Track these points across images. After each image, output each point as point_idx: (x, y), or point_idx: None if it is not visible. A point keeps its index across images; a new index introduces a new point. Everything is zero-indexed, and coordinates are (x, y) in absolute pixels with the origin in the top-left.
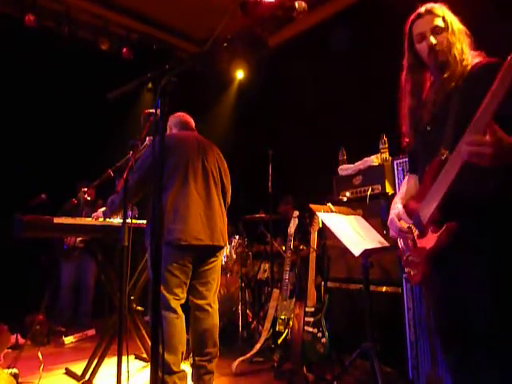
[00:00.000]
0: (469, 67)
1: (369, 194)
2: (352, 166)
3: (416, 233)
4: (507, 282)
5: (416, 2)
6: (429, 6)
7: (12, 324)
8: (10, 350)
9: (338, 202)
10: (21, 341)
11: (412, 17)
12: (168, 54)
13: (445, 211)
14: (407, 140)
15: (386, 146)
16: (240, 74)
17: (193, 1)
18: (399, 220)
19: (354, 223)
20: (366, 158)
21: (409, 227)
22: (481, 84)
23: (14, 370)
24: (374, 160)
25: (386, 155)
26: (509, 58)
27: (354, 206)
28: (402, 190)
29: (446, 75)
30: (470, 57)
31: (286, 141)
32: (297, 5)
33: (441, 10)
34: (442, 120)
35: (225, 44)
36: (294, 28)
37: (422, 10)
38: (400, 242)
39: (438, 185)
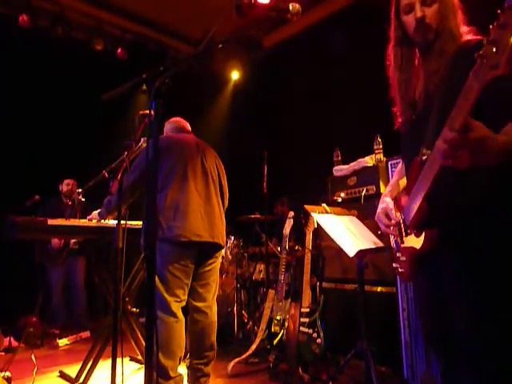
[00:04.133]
0: (462, 46)
1: (363, 194)
2: (346, 166)
3: (403, 231)
4: (486, 289)
5: None
6: None
7: (5, 326)
8: (2, 353)
9: (332, 203)
10: (14, 343)
11: None
12: (163, 54)
13: (427, 215)
14: (399, 121)
15: (381, 146)
16: (235, 75)
17: (187, 1)
18: (386, 215)
19: (348, 224)
20: (360, 159)
21: (398, 223)
22: (462, 70)
23: (7, 374)
24: (369, 161)
25: (381, 156)
26: (471, 75)
27: (349, 206)
28: (392, 181)
29: (434, 55)
30: (464, 34)
31: (281, 142)
32: (291, 7)
33: None
34: (427, 111)
35: (220, 45)
36: (289, 29)
37: None
38: (392, 239)
39: (418, 186)
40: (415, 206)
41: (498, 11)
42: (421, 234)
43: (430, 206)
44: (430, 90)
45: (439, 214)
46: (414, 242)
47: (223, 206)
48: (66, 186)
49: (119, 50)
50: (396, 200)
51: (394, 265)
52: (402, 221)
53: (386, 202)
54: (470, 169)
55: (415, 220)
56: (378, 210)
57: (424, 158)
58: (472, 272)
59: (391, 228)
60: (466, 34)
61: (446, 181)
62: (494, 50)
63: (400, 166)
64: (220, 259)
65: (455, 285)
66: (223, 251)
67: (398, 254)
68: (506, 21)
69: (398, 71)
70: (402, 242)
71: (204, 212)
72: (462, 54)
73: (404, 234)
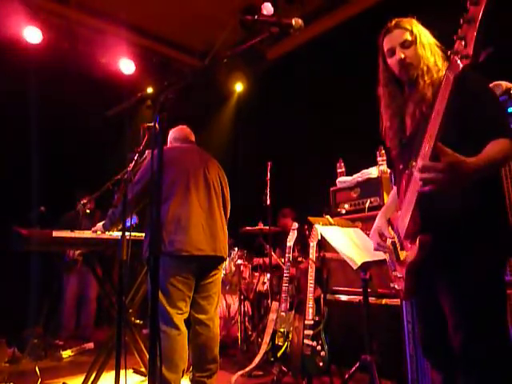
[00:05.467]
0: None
1: (367, 206)
2: (350, 178)
3: (399, 247)
4: (480, 299)
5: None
6: (398, 20)
7: (9, 338)
8: (6, 365)
9: (336, 215)
10: (18, 355)
11: (382, 31)
12: (167, 66)
13: (419, 224)
14: (391, 153)
15: (384, 158)
16: (239, 87)
17: (191, 14)
18: (381, 234)
19: (352, 236)
20: (364, 171)
21: (393, 242)
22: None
23: None
24: (373, 172)
25: (384, 167)
26: (443, 78)
27: (353, 218)
28: (386, 204)
29: (419, 87)
30: (443, 67)
31: (285, 153)
32: (294, 22)
33: (409, 23)
34: (416, 133)
35: (225, 60)
36: (292, 41)
37: (391, 24)
38: (387, 257)
39: (408, 197)
40: (408, 216)
41: (467, 4)
42: (415, 241)
43: (421, 214)
44: (417, 116)
45: (430, 220)
46: (407, 257)
47: (225, 217)
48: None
49: (124, 63)
50: (390, 221)
51: (391, 285)
52: (396, 239)
53: (381, 222)
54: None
55: (409, 229)
56: (373, 229)
57: (413, 170)
58: (463, 284)
59: (384, 245)
60: (445, 67)
61: (432, 191)
62: (463, 43)
63: (393, 191)
64: (222, 271)
65: (449, 295)
66: (226, 263)
67: (395, 273)
68: (470, 17)
69: (386, 107)
70: (399, 260)
71: (206, 225)
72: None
73: (400, 249)
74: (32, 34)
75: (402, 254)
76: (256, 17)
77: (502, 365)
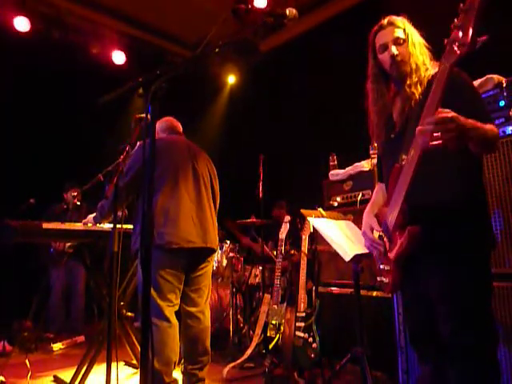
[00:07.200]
0: (430, 77)
1: (359, 199)
2: (343, 171)
3: (387, 240)
4: (468, 290)
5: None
6: (391, 18)
7: None
8: None
9: (328, 207)
10: (8, 348)
11: (375, 28)
12: (159, 57)
13: (408, 216)
14: (378, 149)
15: (377, 151)
16: (231, 79)
17: (184, 5)
18: (371, 230)
19: (344, 228)
20: (356, 164)
21: (380, 235)
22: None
23: (1, 378)
24: (365, 165)
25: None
26: (443, 59)
27: (345, 211)
28: (371, 200)
29: (408, 84)
30: (430, 67)
31: (278, 146)
32: (288, 12)
33: (401, 22)
34: (404, 128)
35: (216, 50)
36: (286, 33)
37: (384, 21)
38: (373, 251)
39: (398, 190)
40: (397, 208)
41: None
42: (404, 232)
43: (409, 205)
44: (406, 111)
45: (418, 211)
46: (395, 248)
47: (215, 209)
48: (71, 195)
49: (115, 54)
50: (377, 216)
51: (378, 278)
52: (384, 233)
53: (370, 218)
54: (439, 173)
55: (398, 221)
56: (363, 227)
57: (403, 163)
58: (452, 274)
59: (377, 242)
60: (433, 66)
61: (421, 184)
62: (460, 32)
63: (378, 187)
64: (212, 263)
65: (438, 286)
66: (218, 255)
67: (382, 266)
68: (468, 6)
69: (373, 103)
70: (386, 254)
71: (196, 217)
72: (432, 83)
73: (388, 242)
74: (20, 23)
75: (390, 247)
76: (250, 6)
77: (489, 353)
